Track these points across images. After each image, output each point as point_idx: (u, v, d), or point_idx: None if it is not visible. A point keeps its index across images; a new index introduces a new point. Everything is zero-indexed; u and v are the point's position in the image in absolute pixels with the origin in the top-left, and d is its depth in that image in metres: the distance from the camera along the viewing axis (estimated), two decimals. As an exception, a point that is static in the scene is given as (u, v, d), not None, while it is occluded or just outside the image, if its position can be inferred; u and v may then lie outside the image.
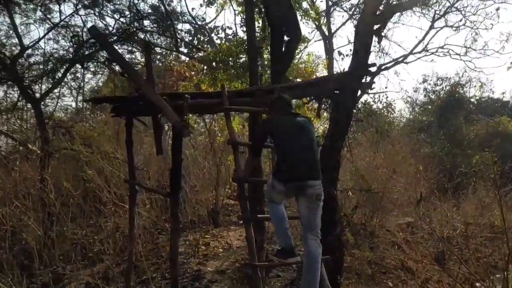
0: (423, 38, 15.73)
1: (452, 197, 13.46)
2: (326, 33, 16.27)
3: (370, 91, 15.97)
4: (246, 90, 6.64)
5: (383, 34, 6.69)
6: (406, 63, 16.02)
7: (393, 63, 15.71)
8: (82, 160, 12.81)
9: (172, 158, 6.00)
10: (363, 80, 6.78)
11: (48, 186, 11.31)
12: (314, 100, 8.09)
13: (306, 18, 12.93)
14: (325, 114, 9.46)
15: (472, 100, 26.55)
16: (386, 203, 11.23)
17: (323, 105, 7.99)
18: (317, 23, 14.44)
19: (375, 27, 6.71)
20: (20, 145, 15.51)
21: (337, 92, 6.82)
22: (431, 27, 15.49)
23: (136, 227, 8.74)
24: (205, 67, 13.29)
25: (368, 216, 11.13)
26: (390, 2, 7.33)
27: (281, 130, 5.12)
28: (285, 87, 6.47)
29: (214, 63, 10.92)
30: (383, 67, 15.12)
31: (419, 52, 15.82)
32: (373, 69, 6.71)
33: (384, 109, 20.33)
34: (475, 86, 27.78)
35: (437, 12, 15.25)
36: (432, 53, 15.76)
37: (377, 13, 6.74)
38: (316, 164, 5.13)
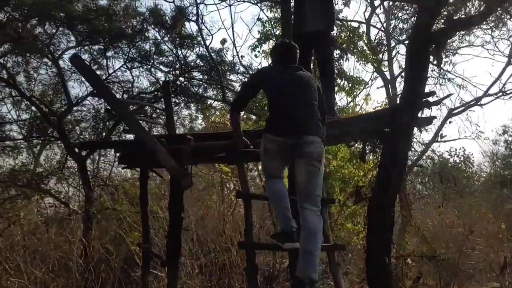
0: (499, 77, 13.76)
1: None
2: (388, 76, 14.77)
3: (441, 139, 14.36)
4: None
5: (443, 56, 5.24)
6: (481, 105, 14.12)
7: (464, 107, 13.93)
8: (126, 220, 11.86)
9: (170, 217, 4.77)
10: (420, 114, 5.33)
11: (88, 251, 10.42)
12: (358, 141, 6.65)
13: (362, 59, 11.66)
14: (371, 157, 7.93)
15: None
16: (461, 271, 9.39)
17: (369, 147, 6.49)
18: (375, 65, 13.08)
19: (431, 48, 5.27)
20: (64, 204, 14.83)
21: (387, 130, 5.40)
22: (508, 63, 13.63)
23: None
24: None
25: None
26: (450, 14, 5.91)
27: (276, 83, 4.43)
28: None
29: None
30: (454, 111, 13.49)
31: (495, 94, 13.96)
32: (431, 99, 5.25)
33: (462, 163, 18.44)
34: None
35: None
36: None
37: (433, 30, 5.33)
38: (316, 119, 4.40)
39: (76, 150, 13.92)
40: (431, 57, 5.34)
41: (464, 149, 18.65)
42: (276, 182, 4.47)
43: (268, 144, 4.34)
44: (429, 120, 5.55)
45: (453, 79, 13.73)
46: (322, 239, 4.23)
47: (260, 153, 4.49)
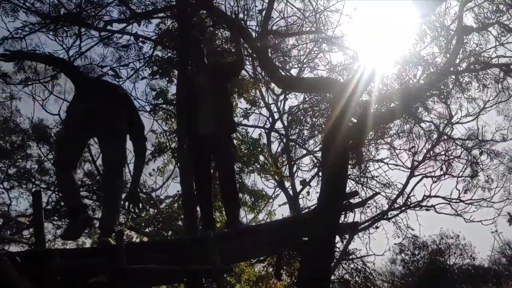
0: (403, 189, 13.57)
1: None
2: (291, 192, 14.15)
3: (348, 256, 13.64)
4: (160, 241, 4.19)
5: (364, 154, 4.59)
6: (388, 219, 13.75)
7: (371, 221, 13.44)
8: None
9: None
10: (342, 220, 4.51)
11: None
12: (270, 256, 5.67)
13: (264, 173, 10.98)
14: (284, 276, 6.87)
15: (454, 269, 24.58)
16: None
17: (283, 260, 5.52)
18: (278, 179, 12.49)
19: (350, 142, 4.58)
20: None
21: (305, 239, 4.48)
22: (411, 175, 13.57)
23: None
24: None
25: None
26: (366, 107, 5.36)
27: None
28: (221, 236, 4.22)
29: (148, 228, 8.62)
30: (360, 226, 12.94)
31: (400, 208, 13.71)
32: (354, 200, 4.47)
33: (363, 285, 17.69)
34: (455, 253, 25.85)
35: (416, 159, 13.43)
36: (414, 207, 13.71)
37: (351, 123, 4.68)
38: None
39: None
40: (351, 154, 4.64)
41: (366, 268, 17.83)
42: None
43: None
44: (355, 226, 4.76)
45: (377, 176, 13.10)
46: None
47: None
